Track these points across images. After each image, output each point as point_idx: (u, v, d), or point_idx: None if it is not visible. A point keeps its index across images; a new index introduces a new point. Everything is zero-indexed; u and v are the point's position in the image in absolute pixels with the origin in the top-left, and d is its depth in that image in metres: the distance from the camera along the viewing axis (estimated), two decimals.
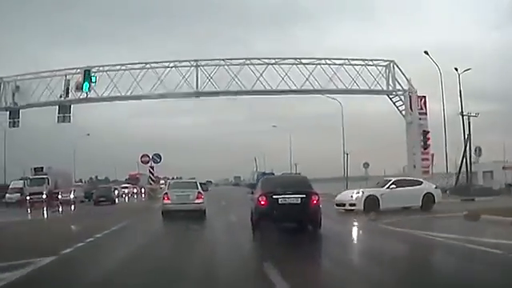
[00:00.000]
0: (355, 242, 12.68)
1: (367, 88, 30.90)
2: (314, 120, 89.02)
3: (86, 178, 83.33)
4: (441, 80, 33.65)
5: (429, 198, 20.29)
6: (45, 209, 33.28)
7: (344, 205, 19.85)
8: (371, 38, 78.54)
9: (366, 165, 39.88)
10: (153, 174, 29.44)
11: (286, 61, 30.12)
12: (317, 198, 13.14)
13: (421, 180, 21.87)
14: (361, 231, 14.77)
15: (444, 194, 34.24)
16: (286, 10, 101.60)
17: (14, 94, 33.32)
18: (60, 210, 33.38)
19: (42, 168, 42.84)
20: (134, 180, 58.79)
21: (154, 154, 29.42)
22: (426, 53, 33.08)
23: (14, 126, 34.25)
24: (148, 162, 29.45)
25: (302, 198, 12.86)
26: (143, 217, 21.62)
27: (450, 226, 13.48)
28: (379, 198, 19.41)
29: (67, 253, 9.52)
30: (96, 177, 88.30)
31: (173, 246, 11.09)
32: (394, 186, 20.06)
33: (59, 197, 38.66)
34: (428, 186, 20.95)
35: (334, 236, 12.84)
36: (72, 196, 39.71)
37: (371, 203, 19.11)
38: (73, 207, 35.05)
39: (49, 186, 40.83)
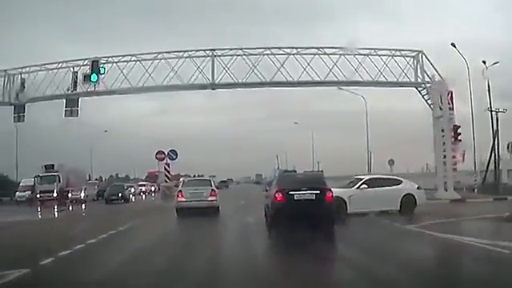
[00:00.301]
0: None
1: (394, 80, 28.76)
2: (336, 117, 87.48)
3: (106, 175, 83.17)
4: (468, 74, 32.49)
5: (409, 200, 18.10)
6: (55, 208, 31.90)
7: None
8: (396, 31, 75.34)
9: (391, 162, 38.14)
10: (168, 172, 27.48)
11: (308, 50, 28.00)
12: (331, 194, 13.54)
13: (400, 179, 19.29)
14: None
15: (472, 192, 32.81)
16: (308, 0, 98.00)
17: (19, 88, 31.67)
18: (69, 208, 31.93)
19: (53, 165, 41.43)
20: (152, 178, 57.40)
21: (170, 151, 27.49)
22: (452, 45, 31.07)
23: (19, 121, 32.51)
24: (163, 159, 27.51)
25: (316, 194, 13.18)
26: (150, 218, 20.20)
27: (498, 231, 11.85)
28: (346, 200, 17.14)
29: (45, 264, 8.52)
30: (116, 174, 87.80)
31: (170, 262, 9.18)
32: (365, 186, 17.85)
33: (69, 195, 37.33)
34: (409, 186, 18.63)
35: None
36: (82, 194, 38.38)
37: (336, 206, 16.37)
38: (83, 206, 33.70)
39: (60, 184, 39.62)
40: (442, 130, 29.31)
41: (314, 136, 58.79)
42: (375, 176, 20.40)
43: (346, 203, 17.01)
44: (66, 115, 31.04)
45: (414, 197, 18.16)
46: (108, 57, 28.96)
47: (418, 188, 18.77)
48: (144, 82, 28.06)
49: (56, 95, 30.37)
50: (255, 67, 27.38)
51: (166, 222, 17.53)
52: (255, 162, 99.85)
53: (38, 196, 39.04)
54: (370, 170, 40.14)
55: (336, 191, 16.68)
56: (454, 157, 29.72)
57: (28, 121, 32.07)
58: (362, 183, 18.02)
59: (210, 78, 27.51)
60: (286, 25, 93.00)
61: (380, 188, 17.97)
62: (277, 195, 13.25)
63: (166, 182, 27.55)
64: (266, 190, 19.44)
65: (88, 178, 58.28)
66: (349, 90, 40.05)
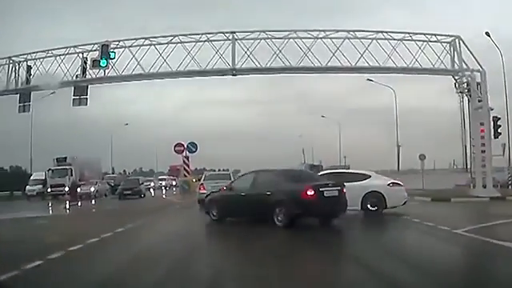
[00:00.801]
0: None
1: (430, 67, 26.36)
2: (364, 111, 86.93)
3: (130, 169, 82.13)
4: (502, 63, 30.36)
5: (375, 199, 15.85)
6: (66, 203, 30.15)
7: None
8: (429, 18, 72.46)
9: (423, 156, 35.88)
10: (188, 165, 25.32)
11: (337, 34, 25.61)
12: (345, 189, 13.50)
13: (368, 173, 16.89)
14: None
15: (507, 189, 30.54)
16: None
17: (25, 75, 29.65)
18: (79, 204, 30.12)
19: (66, 158, 39.50)
20: (175, 172, 55.59)
21: (189, 143, 25.33)
22: (487, 34, 28.61)
23: (24, 111, 30.49)
24: (182, 152, 25.34)
25: (338, 190, 13.21)
26: (160, 217, 18.32)
27: None
28: None
29: (29, 269, 7.51)
30: (140, 169, 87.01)
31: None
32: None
33: (78, 190, 35.47)
34: (377, 183, 16.16)
35: None
36: (92, 189, 36.50)
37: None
38: (93, 201, 31.84)
39: (72, 178, 37.55)
40: (482, 124, 26.94)
41: (341, 130, 58.30)
42: (336, 170, 18.27)
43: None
44: (74, 104, 29.21)
45: (382, 195, 15.78)
46: (119, 40, 26.81)
47: (390, 185, 16.20)
48: (158, 68, 25.89)
49: (64, 82, 28.26)
50: (280, 51, 25.10)
51: (173, 221, 15.32)
52: (281, 156, 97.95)
53: (50, 190, 37.57)
54: (398, 164, 38.58)
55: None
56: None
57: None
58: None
59: (231, 62, 25.18)
60: (313, 9, 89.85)
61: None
62: (309, 192, 12.72)
63: (185, 176, 25.39)
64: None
65: (112, 172, 56.99)
66: (378, 82, 40.02)
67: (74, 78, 28.11)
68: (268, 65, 25.27)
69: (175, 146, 25.68)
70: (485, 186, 26.00)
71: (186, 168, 25.01)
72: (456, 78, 27.54)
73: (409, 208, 18.78)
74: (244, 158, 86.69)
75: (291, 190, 12.71)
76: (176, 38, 25.85)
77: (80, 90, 28.71)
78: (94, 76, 27.60)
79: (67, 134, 56.94)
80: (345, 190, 13.40)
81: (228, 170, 37.29)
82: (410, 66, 25.87)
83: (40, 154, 45.58)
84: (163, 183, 52.82)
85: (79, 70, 28.19)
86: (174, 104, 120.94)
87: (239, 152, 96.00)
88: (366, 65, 25.59)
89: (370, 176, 16.50)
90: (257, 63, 25.21)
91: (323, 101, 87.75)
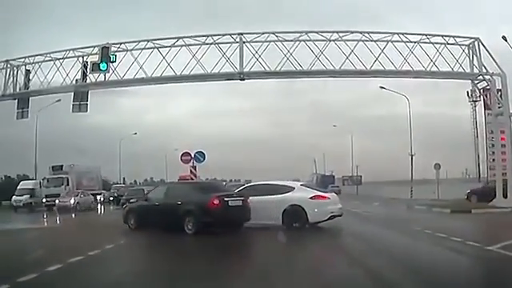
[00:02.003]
0: None
1: (448, 70, 24.92)
2: (377, 121, 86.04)
3: (141, 179, 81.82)
4: None
5: (295, 213, 14.48)
6: (56, 215, 28.46)
7: None
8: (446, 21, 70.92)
9: (438, 166, 35.02)
10: (195, 175, 23.87)
11: (351, 36, 24.18)
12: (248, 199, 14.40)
13: (291, 185, 15.68)
14: None
15: None
16: None
17: (23, 80, 28.33)
18: (73, 215, 28.58)
19: (62, 166, 37.24)
20: None
21: (197, 152, 23.90)
22: (504, 38, 27.24)
23: (22, 118, 29.07)
24: (189, 162, 23.93)
25: (242, 200, 14.28)
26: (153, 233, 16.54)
27: None
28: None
29: None
30: (151, 178, 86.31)
31: None
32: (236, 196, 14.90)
33: (56, 201, 32.34)
34: (299, 195, 14.82)
35: None
36: (72, 201, 32.79)
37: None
38: (73, 215, 29.43)
39: (68, 188, 35.47)
40: (502, 132, 25.52)
41: (353, 140, 57.74)
42: (259, 183, 16.82)
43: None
44: (73, 110, 27.84)
45: (303, 209, 14.42)
46: (120, 43, 25.41)
47: (313, 197, 14.78)
48: (161, 72, 24.49)
49: (63, 87, 26.92)
50: (291, 54, 23.64)
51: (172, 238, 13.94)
52: (292, 165, 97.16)
53: (44, 201, 35.05)
54: (412, 174, 37.55)
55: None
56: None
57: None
58: (240, 190, 15.72)
59: (239, 66, 23.77)
60: (326, 13, 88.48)
61: (261, 197, 14.72)
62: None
63: None
64: None
65: (123, 182, 55.49)
66: (391, 89, 38.78)
67: (74, 82, 26.72)
68: (278, 69, 23.83)
69: (182, 156, 24.24)
70: (506, 196, 24.58)
71: (194, 178, 23.55)
72: (475, 82, 26.14)
73: (429, 221, 17.56)
74: (255, 168, 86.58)
75: (199, 200, 13.57)
76: (180, 40, 24.45)
77: (80, 96, 27.30)
78: (94, 81, 26.10)
79: (75, 142, 55.82)
80: (248, 201, 14.19)
81: (240, 181, 36.00)
82: (428, 69, 24.44)
83: (48, 162, 44.00)
84: None
85: (79, 74, 26.88)
86: (184, 113, 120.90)
87: (251, 162, 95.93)
88: (381, 68, 24.16)
89: (294, 188, 15.20)
90: (266, 67, 23.78)
91: (335, 110, 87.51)
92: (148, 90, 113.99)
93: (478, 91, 26.70)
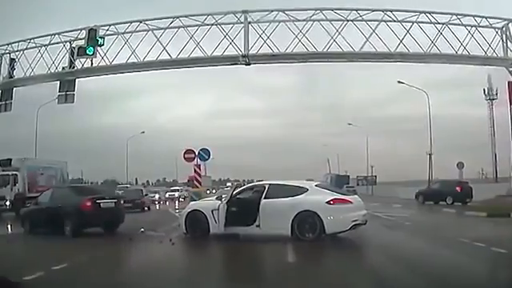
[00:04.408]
0: None
1: (481, 54, 22.00)
2: (393, 119, 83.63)
3: (153, 179, 79.66)
4: None
5: (309, 222, 11.20)
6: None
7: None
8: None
9: (461, 165, 32.39)
10: (199, 175, 20.92)
11: (371, 15, 21.24)
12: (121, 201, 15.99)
13: (305, 186, 12.06)
14: None
15: None
16: None
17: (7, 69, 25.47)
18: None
19: (10, 160, 28.13)
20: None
21: (201, 150, 20.97)
22: None
23: (5, 110, 26.11)
24: (193, 160, 21.04)
25: (115, 202, 15.06)
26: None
27: None
28: (208, 216, 12.08)
29: None
30: (164, 179, 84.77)
31: None
32: (240, 196, 12.45)
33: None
34: (314, 199, 11.43)
35: None
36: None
37: (194, 224, 12.28)
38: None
39: (16, 188, 26.75)
40: None
41: (368, 139, 54.52)
42: (262, 182, 13.23)
43: (208, 221, 12.12)
44: (59, 101, 25.18)
45: (319, 217, 11.12)
46: (109, 25, 22.57)
47: (331, 202, 11.35)
48: (157, 57, 21.66)
49: (47, 75, 24.20)
50: (304, 35, 20.70)
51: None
52: (306, 165, 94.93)
53: None
54: (430, 174, 36.44)
55: (197, 205, 13.19)
56: None
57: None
58: (238, 192, 12.61)
59: (243, 49, 20.85)
60: None
61: (265, 200, 11.78)
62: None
63: (197, 186, 20.98)
64: None
65: (135, 182, 52.57)
66: (409, 84, 36.81)
67: (61, 69, 23.97)
68: (288, 51, 20.88)
69: (185, 153, 21.22)
70: None
71: (197, 178, 20.61)
72: (510, 69, 23.18)
73: (471, 229, 14.49)
74: (269, 168, 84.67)
75: (75, 203, 13.84)
76: (177, 20, 21.58)
77: (66, 85, 24.50)
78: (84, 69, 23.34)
79: (82, 143, 53.46)
80: (121, 202, 15.36)
81: (253, 181, 33.44)
82: (459, 53, 21.51)
83: None
84: (176, 194, 47.45)
85: (67, 61, 24.12)
86: (198, 113, 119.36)
87: (264, 162, 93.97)
88: (406, 51, 21.22)
89: (307, 189, 11.84)
90: (275, 49, 20.82)
91: (349, 110, 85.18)
92: (160, 89, 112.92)
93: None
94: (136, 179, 59.02)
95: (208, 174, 24.79)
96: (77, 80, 24.23)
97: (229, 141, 73.59)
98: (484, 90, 53.65)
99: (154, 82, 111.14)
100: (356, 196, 13.07)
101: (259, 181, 16.98)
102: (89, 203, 13.71)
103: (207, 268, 9.05)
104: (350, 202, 11.80)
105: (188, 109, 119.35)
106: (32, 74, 24.63)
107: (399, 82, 36.03)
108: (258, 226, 11.71)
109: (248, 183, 21.89)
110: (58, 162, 32.42)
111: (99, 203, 13.96)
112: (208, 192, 24.84)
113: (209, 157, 21.71)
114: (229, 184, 35.12)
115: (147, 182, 76.66)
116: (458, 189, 27.76)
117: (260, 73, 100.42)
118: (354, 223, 11.44)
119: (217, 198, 12.92)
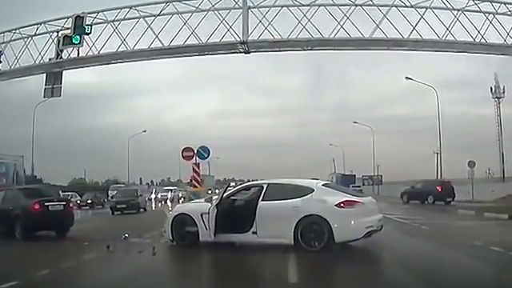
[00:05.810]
0: None
1: (500, 42, 20.26)
2: (400, 118, 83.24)
3: (158, 179, 79.16)
4: None
5: (316, 228, 9.51)
6: None
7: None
8: None
9: (472, 164, 31.32)
10: (198, 174, 19.37)
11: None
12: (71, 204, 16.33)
13: (310, 186, 10.27)
14: None
15: None
16: None
17: None
18: None
19: None
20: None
21: (200, 147, 19.43)
22: None
23: None
24: (191, 158, 19.50)
25: (63, 204, 14.79)
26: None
27: None
28: (196, 220, 10.46)
29: None
30: (168, 178, 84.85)
31: None
32: (234, 197, 10.91)
33: None
34: (321, 201, 9.75)
35: None
36: None
37: (181, 230, 10.65)
38: None
39: None
40: None
41: (374, 138, 53.41)
42: (260, 182, 11.35)
43: (197, 225, 10.50)
44: (45, 95, 23.90)
45: (325, 221, 9.47)
46: (98, 12, 20.92)
47: (340, 204, 9.65)
48: (149, 45, 20.07)
49: (32, 67, 22.66)
50: (309, 20, 18.99)
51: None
52: (311, 165, 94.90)
53: None
54: (439, 173, 36.41)
55: (184, 208, 11.70)
56: None
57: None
58: (231, 193, 10.90)
59: (242, 36, 19.18)
60: None
61: (263, 203, 10.10)
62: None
63: (195, 186, 19.43)
64: None
65: (139, 182, 51.62)
66: (418, 80, 36.43)
67: (47, 60, 22.41)
68: (291, 37, 19.18)
69: (183, 151, 19.68)
70: None
71: (196, 177, 19.03)
72: None
73: (493, 234, 12.78)
74: (274, 168, 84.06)
75: (24, 205, 13.75)
76: (170, 5, 19.91)
77: (53, 78, 23.00)
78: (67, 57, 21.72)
79: (85, 143, 52.35)
80: (71, 205, 15.40)
81: (257, 181, 32.06)
82: (477, 41, 19.81)
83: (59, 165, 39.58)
84: (168, 195, 45.52)
85: (53, 53, 22.53)
86: (203, 113, 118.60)
87: (269, 162, 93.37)
88: (419, 38, 19.52)
89: (312, 190, 10.11)
90: (276, 35, 19.12)
91: (356, 109, 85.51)
92: (167, 88, 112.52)
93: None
94: (140, 179, 58.17)
95: (212, 173, 23.26)
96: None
97: (233, 140, 73.32)
98: (491, 88, 52.45)
99: (158, 81, 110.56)
100: (370, 197, 11.30)
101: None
102: (37, 206, 13.61)
103: None
104: (363, 204, 10.08)
105: (193, 108, 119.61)
106: (17, 66, 23.21)
107: (407, 78, 35.47)
108: (255, 232, 9.98)
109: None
110: (11, 157, 29.86)
111: (48, 206, 13.83)
112: (210, 192, 23.66)
113: (208, 155, 20.10)
114: (232, 184, 33.79)
115: (151, 181, 75.87)
116: (438, 188, 29.18)
117: (266, 72, 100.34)
118: (368, 230, 9.75)
119: (205, 200, 11.27)
